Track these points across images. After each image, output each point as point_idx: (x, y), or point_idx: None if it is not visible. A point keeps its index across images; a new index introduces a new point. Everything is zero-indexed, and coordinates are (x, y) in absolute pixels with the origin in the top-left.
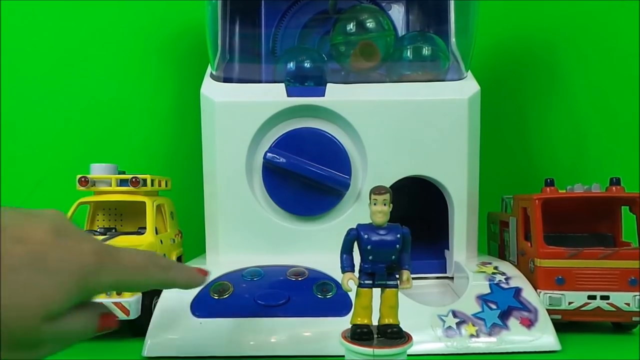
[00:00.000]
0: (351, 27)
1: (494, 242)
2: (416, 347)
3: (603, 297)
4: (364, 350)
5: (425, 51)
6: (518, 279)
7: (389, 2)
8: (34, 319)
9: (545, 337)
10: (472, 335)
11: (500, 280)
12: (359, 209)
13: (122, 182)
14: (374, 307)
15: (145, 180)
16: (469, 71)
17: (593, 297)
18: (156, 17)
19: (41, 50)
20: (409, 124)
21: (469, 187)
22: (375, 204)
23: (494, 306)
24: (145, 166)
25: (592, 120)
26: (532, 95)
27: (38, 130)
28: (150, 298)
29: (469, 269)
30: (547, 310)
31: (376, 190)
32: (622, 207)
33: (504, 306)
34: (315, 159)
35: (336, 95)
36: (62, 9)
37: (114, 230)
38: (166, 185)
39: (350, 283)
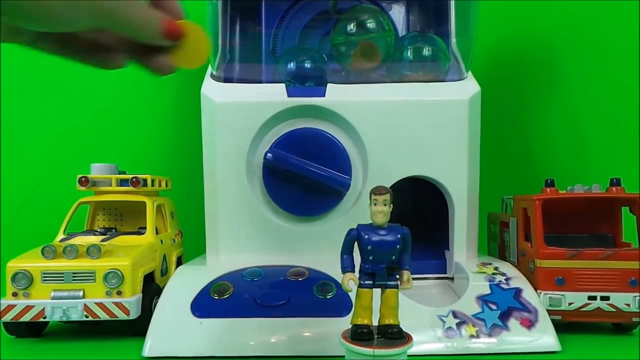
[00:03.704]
0: (352, 27)
1: (494, 242)
2: (416, 348)
3: (603, 298)
4: (364, 351)
5: (426, 51)
6: (518, 280)
7: (390, 2)
8: None
9: (545, 338)
10: (472, 336)
11: (500, 281)
12: (359, 209)
13: (123, 182)
14: (374, 307)
15: (145, 180)
16: (469, 71)
17: (593, 298)
18: None
19: None
20: (409, 124)
21: (469, 187)
22: (375, 204)
23: (494, 307)
24: (145, 166)
25: (592, 120)
26: (533, 96)
27: (38, 130)
28: (150, 298)
29: (469, 269)
30: (547, 310)
31: (376, 191)
32: (622, 207)
33: (504, 307)
34: (316, 159)
35: (336, 95)
36: None
37: (114, 230)
38: (166, 186)
39: (350, 283)
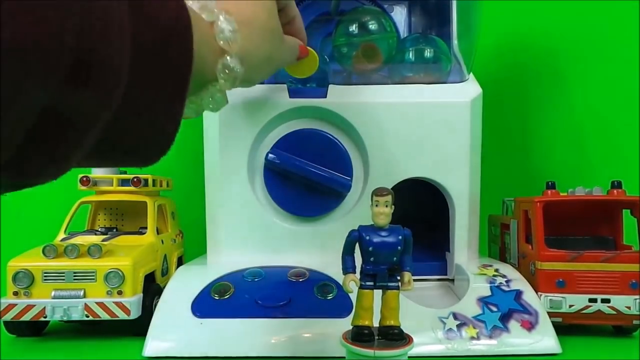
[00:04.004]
0: (353, 28)
1: (494, 244)
2: (417, 349)
3: (604, 300)
4: (364, 352)
5: (428, 53)
6: (519, 282)
7: (391, 3)
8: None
9: (545, 340)
10: (472, 338)
11: (501, 283)
12: (360, 211)
13: (124, 182)
14: (375, 308)
15: (146, 180)
16: (471, 73)
17: (594, 300)
18: None
19: None
20: (410, 126)
21: (470, 189)
22: (377, 206)
23: (494, 308)
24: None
25: (593, 123)
26: (534, 98)
27: None
28: (151, 298)
29: (470, 271)
30: (548, 313)
31: (378, 192)
32: (623, 210)
33: (504, 309)
34: (317, 160)
35: (338, 96)
36: None
37: (115, 230)
38: (167, 186)
39: (351, 284)
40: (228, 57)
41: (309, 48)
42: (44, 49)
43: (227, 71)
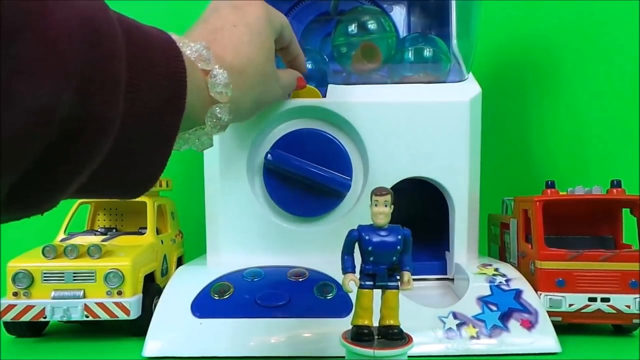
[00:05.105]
0: (353, 28)
1: (494, 243)
2: (417, 349)
3: (603, 300)
4: (364, 352)
5: (427, 53)
6: (518, 281)
7: (391, 3)
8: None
9: (545, 339)
10: (472, 337)
11: (500, 282)
12: (360, 210)
13: None
14: (374, 308)
15: None
16: (470, 73)
17: (594, 300)
18: (157, 17)
19: None
20: (410, 126)
21: (470, 188)
22: (376, 205)
23: (494, 308)
24: None
25: (593, 122)
26: (534, 97)
27: None
28: (150, 298)
29: (470, 270)
30: (548, 312)
31: (377, 192)
32: (623, 209)
33: (504, 308)
34: (316, 160)
35: (337, 96)
36: None
37: (114, 230)
38: (167, 186)
39: (351, 284)
40: (217, 108)
41: (309, 86)
42: (47, 109)
43: (214, 120)
